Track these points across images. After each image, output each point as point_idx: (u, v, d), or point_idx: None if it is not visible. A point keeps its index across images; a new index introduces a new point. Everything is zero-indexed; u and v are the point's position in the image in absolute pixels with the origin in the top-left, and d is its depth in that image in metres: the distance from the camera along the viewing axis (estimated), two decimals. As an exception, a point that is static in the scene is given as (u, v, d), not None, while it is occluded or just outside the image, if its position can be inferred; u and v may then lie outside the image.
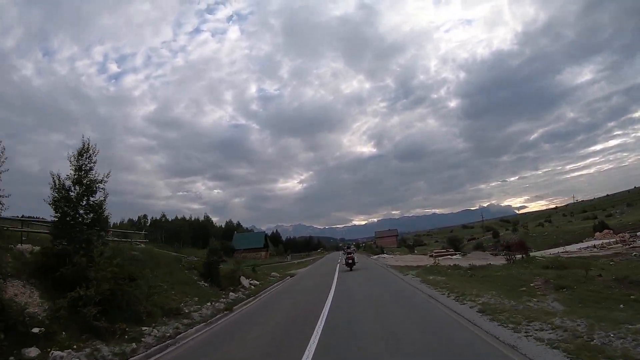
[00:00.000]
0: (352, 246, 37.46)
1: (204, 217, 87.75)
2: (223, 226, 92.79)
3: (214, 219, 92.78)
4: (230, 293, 14.89)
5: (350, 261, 21.87)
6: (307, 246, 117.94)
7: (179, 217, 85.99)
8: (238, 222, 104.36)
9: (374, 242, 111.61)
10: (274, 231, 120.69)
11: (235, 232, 79.70)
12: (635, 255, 22.59)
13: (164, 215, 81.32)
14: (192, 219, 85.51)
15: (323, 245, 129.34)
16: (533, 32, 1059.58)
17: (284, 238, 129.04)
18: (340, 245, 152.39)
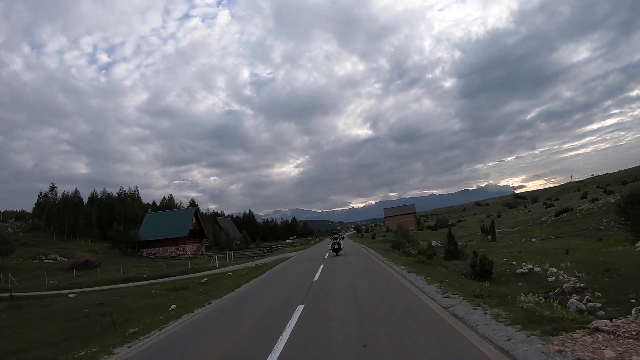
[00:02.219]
0: (340, 233, 40.17)
1: (120, 193, 56.90)
2: (158, 204, 62.56)
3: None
4: None
5: (336, 246, 19.80)
6: (290, 232, 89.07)
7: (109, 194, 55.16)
8: (192, 200, 74.18)
9: (385, 224, 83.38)
10: (246, 212, 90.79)
11: (149, 210, 48.92)
12: None
13: (53, 188, 50.94)
14: (104, 196, 54.93)
15: (311, 230, 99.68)
16: (529, 10, 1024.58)
17: (276, 222, 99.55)
18: (339, 228, 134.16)
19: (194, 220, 44.49)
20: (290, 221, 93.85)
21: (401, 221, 77.52)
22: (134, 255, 38.58)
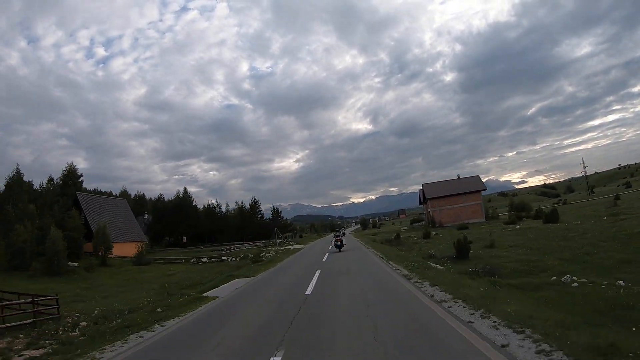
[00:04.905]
0: (342, 230, 40.32)
1: None
2: None
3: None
4: None
5: (339, 243, 22.10)
6: (250, 226, 55.31)
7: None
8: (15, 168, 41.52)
9: (427, 213, 52.20)
10: (180, 193, 55.89)
11: None
12: None
13: None
14: None
15: (284, 223, 60.00)
16: (531, 3, 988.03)
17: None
18: (339, 223, 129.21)
19: None
20: (248, 208, 56.64)
21: (452, 208, 43.13)
22: None
